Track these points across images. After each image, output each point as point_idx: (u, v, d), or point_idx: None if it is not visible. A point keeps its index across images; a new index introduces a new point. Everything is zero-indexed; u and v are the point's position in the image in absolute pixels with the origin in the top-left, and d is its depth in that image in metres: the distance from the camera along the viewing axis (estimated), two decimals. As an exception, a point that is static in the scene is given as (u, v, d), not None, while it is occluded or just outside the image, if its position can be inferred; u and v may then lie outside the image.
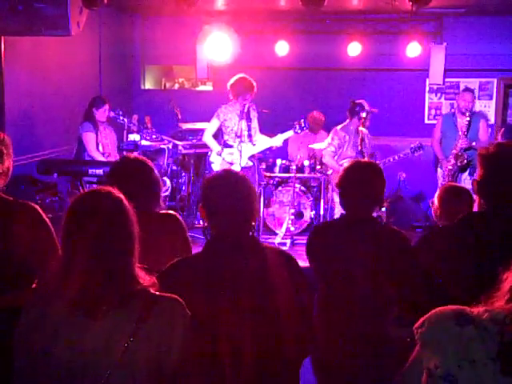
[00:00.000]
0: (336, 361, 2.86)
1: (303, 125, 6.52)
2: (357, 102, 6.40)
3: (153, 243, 2.41)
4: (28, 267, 2.50)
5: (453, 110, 7.33)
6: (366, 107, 6.48)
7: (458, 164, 6.65)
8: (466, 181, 6.57)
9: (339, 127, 6.55)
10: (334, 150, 6.48)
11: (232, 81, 6.62)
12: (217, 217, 2.22)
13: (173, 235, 2.81)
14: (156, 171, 2.93)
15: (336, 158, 6.50)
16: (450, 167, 6.68)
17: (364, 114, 6.42)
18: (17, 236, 2.50)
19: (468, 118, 6.63)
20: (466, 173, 6.69)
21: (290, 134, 6.64)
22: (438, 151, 7.08)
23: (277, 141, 6.61)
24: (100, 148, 6.42)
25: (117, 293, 1.80)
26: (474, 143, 6.55)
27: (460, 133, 6.68)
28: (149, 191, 2.84)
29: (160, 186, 2.94)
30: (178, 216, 2.93)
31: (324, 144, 6.95)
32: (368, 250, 2.77)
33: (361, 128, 6.48)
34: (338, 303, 2.87)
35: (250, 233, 2.24)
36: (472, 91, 6.98)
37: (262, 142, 6.68)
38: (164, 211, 2.95)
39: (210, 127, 6.67)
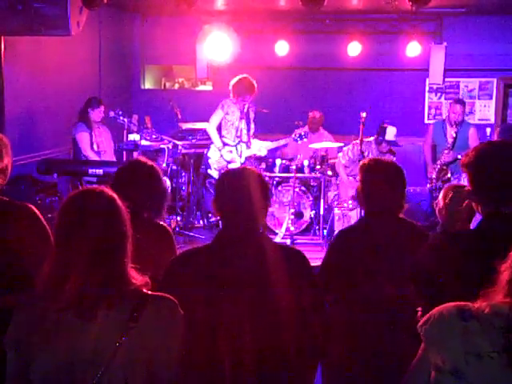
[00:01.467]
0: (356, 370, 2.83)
1: (303, 134, 6.64)
2: (384, 126, 6.53)
3: (148, 252, 2.40)
4: (26, 268, 2.49)
5: (443, 118, 7.41)
6: (389, 136, 6.51)
7: (442, 177, 6.82)
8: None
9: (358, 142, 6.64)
10: (344, 163, 6.71)
11: (234, 80, 6.68)
12: (226, 213, 2.25)
13: (164, 249, 2.76)
14: (163, 178, 2.91)
15: (349, 170, 6.69)
16: (434, 176, 6.83)
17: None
18: (14, 237, 2.48)
19: (454, 134, 6.76)
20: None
21: (287, 141, 6.88)
22: (426, 156, 7.29)
23: (274, 144, 6.83)
24: (95, 147, 6.48)
25: (112, 293, 1.80)
26: (459, 156, 6.63)
27: (447, 144, 6.80)
28: (156, 201, 2.82)
29: (167, 195, 2.92)
30: (170, 230, 2.93)
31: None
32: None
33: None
34: (362, 306, 2.85)
35: (261, 229, 2.26)
36: (463, 103, 7.08)
37: (258, 144, 6.79)
38: (157, 222, 2.91)
39: (214, 118, 6.79)
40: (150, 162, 2.93)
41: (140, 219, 2.64)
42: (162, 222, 2.95)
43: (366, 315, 2.82)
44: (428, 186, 6.93)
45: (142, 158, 3.03)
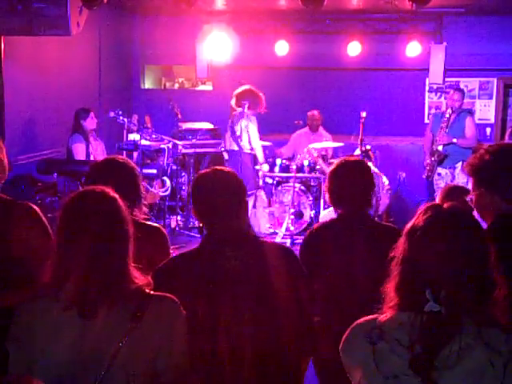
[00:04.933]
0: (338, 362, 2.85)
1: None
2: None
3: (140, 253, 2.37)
4: (27, 267, 2.50)
5: (443, 110, 7.45)
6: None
7: (436, 159, 6.88)
8: (443, 173, 6.90)
9: None
10: None
11: (254, 95, 6.77)
12: (207, 216, 2.24)
13: (156, 249, 2.69)
14: (137, 171, 2.78)
15: None
16: (429, 161, 6.89)
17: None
18: (15, 236, 2.50)
19: (447, 115, 6.83)
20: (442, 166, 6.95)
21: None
22: (425, 149, 7.29)
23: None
24: (92, 158, 6.42)
25: (114, 292, 1.80)
26: (454, 140, 6.70)
27: (442, 125, 6.86)
28: (127, 193, 2.73)
29: (138, 186, 2.75)
30: (164, 232, 2.86)
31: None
32: (365, 247, 2.78)
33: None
34: (338, 303, 2.86)
35: (246, 228, 2.26)
36: (461, 90, 7.18)
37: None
38: (151, 223, 2.87)
39: (257, 133, 6.82)
40: (117, 157, 2.82)
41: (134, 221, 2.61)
42: (155, 224, 2.92)
43: (340, 313, 2.84)
44: (424, 174, 7.01)
45: (109, 156, 2.94)
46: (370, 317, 1.63)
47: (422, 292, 1.50)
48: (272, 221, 7.20)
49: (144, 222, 2.78)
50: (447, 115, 6.83)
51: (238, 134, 6.69)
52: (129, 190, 2.62)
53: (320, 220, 6.83)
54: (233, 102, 6.87)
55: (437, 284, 1.50)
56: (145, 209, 2.80)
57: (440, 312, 1.47)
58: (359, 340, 1.57)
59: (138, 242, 2.52)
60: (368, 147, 7.03)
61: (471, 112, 7.41)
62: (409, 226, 1.63)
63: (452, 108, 6.85)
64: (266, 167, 6.89)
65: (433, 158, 6.89)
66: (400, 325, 1.52)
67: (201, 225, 2.28)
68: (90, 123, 6.45)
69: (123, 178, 2.67)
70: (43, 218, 2.59)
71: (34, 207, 2.61)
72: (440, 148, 6.78)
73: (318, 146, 7.40)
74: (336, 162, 3.06)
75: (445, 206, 1.63)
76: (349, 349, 1.62)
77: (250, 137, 6.70)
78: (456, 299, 1.48)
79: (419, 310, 1.50)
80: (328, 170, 7.21)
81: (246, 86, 6.85)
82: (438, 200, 3.41)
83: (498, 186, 2.40)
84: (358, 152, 7.05)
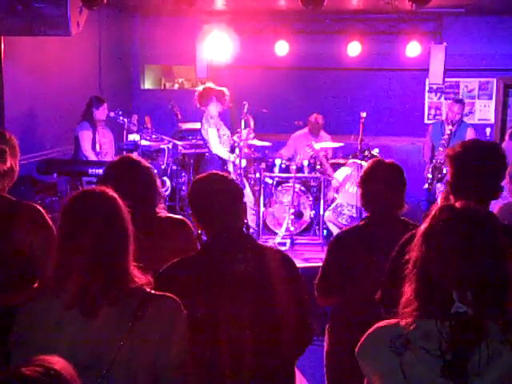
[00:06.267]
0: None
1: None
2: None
3: (158, 246, 2.39)
4: (31, 267, 2.52)
5: (442, 119, 7.42)
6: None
7: (437, 175, 6.83)
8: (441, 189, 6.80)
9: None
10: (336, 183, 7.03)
11: (214, 92, 6.60)
12: (207, 220, 2.25)
13: (186, 240, 2.72)
14: (152, 169, 2.82)
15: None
16: (430, 176, 6.84)
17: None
18: (20, 236, 2.52)
19: (448, 132, 6.79)
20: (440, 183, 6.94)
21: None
22: (425, 156, 7.34)
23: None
24: (97, 147, 6.46)
25: (114, 291, 1.81)
26: None
27: (443, 141, 6.81)
28: (146, 191, 2.74)
29: (156, 184, 2.80)
30: (190, 223, 2.85)
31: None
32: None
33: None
34: (361, 306, 2.85)
35: (245, 230, 2.27)
36: (461, 102, 7.09)
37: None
38: (176, 216, 2.89)
39: (216, 138, 6.60)
40: (133, 157, 2.88)
41: (151, 215, 2.65)
42: (179, 216, 2.92)
43: (365, 315, 2.83)
44: (426, 185, 6.95)
45: (126, 155, 2.97)
46: (390, 322, 1.60)
47: (444, 295, 1.49)
48: (272, 221, 7.20)
49: (169, 215, 2.81)
50: (448, 131, 6.77)
51: (205, 137, 6.61)
52: (148, 188, 2.71)
53: (325, 219, 6.83)
54: (198, 103, 6.68)
55: (462, 285, 1.48)
56: (163, 205, 2.84)
57: (466, 313, 1.46)
58: (382, 349, 1.55)
59: (168, 235, 2.55)
60: (376, 151, 7.01)
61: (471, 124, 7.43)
62: (424, 228, 1.60)
63: (452, 122, 6.80)
64: (232, 158, 6.54)
65: (430, 175, 6.83)
66: (426, 333, 1.50)
67: (199, 231, 2.28)
68: (101, 113, 6.51)
69: (141, 178, 2.72)
70: (48, 219, 2.61)
71: (39, 208, 2.63)
72: (445, 171, 6.73)
73: (317, 146, 7.39)
74: (371, 162, 3.04)
75: (457, 205, 1.61)
76: (370, 356, 1.60)
77: (209, 142, 6.51)
78: (482, 298, 1.47)
79: (443, 316, 1.48)
80: (329, 167, 7.26)
81: (208, 84, 6.75)
82: (439, 201, 3.42)
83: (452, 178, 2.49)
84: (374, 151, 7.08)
